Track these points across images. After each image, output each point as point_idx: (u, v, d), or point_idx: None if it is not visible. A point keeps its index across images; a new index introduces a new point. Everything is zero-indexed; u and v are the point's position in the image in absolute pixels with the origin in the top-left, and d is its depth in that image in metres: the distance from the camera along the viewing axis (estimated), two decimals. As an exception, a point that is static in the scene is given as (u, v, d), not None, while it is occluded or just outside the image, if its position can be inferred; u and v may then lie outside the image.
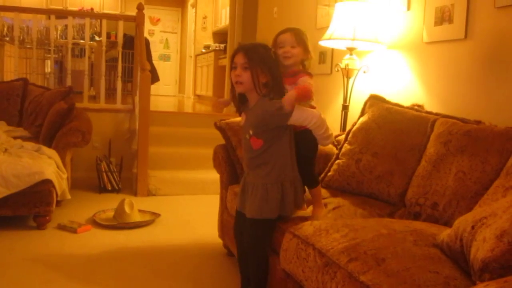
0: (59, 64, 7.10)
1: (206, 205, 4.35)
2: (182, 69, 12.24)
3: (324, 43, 3.50)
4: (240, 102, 2.26)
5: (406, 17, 3.28)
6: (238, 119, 2.58)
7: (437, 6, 2.95)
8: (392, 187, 2.47)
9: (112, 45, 7.35)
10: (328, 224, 1.94)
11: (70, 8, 10.81)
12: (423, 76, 3.13)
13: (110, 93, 6.83)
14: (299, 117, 2.14)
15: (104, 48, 5.29)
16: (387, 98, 2.89)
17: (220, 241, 3.20)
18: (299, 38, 2.31)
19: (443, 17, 2.91)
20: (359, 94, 3.59)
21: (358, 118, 2.87)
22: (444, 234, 1.64)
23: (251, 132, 2.19)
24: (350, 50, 3.43)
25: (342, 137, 2.94)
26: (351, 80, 3.49)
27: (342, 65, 3.46)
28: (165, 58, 12.34)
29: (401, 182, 2.45)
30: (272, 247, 2.23)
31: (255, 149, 2.19)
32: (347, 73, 3.46)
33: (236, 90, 2.20)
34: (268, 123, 2.14)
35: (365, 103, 2.91)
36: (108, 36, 7.85)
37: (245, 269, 2.38)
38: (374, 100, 2.88)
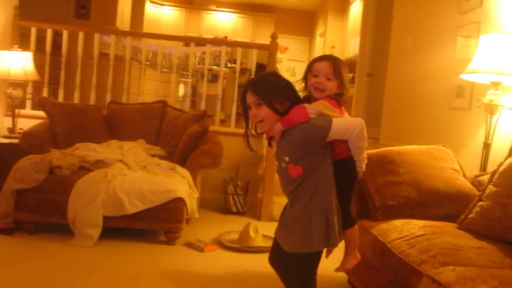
0: (193, 88, 7.53)
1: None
2: (307, 97, 12.32)
3: (465, 77, 3.31)
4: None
5: None
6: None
7: None
8: (545, 238, 2.22)
9: (243, 72, 7.63)
10: (473, 272, 1.78)
11: (205, 35, 11.46)
12: None
13: (238, 118, 7.05)
14: (339, 127, 1.94)
15: (237, 74, 5.46)
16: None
17: (345, 275, 3.10)
18: (337, 69, 2.05)
19: None
20: (503, 132, 3.32)
21: (506, 159, 2.64)
22: None
23: (287, 159, 1.99)
24: (495, 84, 3.20)
25: (485, 177, 2.72)
26: (494, 117, 3.25)
27: (485, 101, 3.24)
28: (290, 85, 12.53)
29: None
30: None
31: (294, 177, 1.97)
32: (490, 109, 3.23)
33: (261, 130, 2.09)
34: (306, 143, 1.95)
35: (515, 143, 2.68)
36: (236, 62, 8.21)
37: None
38: (526, 140, 2.64)
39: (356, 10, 9.26)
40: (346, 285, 3.09)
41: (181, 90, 8.36)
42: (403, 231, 2.43)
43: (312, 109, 1.98)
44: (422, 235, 2.32)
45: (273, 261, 2.27)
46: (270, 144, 2.14)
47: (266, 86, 2.00)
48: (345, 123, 1.98)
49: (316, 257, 2.00)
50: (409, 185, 2.76)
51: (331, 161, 2.00)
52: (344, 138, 1.99)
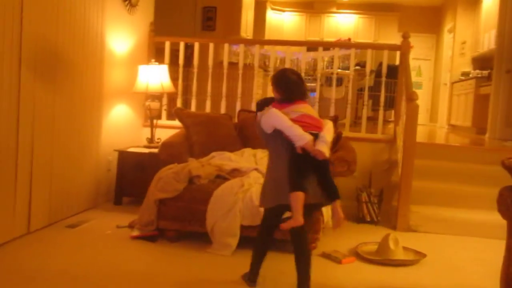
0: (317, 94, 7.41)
1: (474, 249, 3.93)
2: (434, 97, 11.68)
3: None
4: None
5: None
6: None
7: None
8: None
9: (365, 74, 7.39)
10: None
11: (326, 39, 11.34)
12: None
13: (357, 122, 6.86)
14: (265, 122, 2.73)
15: (368, 77, 5.28)
16: None
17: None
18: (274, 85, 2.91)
19: None
20: None
21: None
22: None
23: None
24: None
25: None
26: None
27: None
28: (417, 85, 11.94)
29: None
30: None
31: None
32: None
33: None
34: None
35: None
36: (359, 65, 7.96)
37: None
38: None
39: (490, 1, 8.57)
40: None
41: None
42: None
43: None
44: None
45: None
46: None
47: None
48: (272, 119, 2.69)
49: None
50: None
51: (288, 147, 2.67)
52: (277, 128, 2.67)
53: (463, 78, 9.40)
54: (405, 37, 5.08)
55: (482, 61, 9.34)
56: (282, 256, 3.33)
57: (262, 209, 3.22)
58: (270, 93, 5.69)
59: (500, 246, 2.89)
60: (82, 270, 3.03)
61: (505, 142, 6.33)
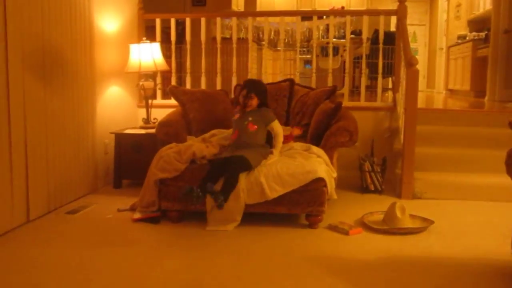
0: (311, 64, 7.30)
1: (482, 213, 3.88)
2: (431, 63, 11.56)
3: None
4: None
5: None
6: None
7: None
8: None
9: (361, 42, 7.25)
10: None
11: (319, 8, 11.13)
12: None
13: (355, 91, 6.76)
14: None
15: (365, 45, 5.15)
16: None
17: (510, 258, 2.76)
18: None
19: None
20: None
21: None
22: None
23: (250, 119, 3.66)
24: None
25: None
26: None
27: None
28: (412, 52, 11.80)
29: None
30: None
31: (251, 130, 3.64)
32: None
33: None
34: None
35: None
36: (354, 33, 7.81)
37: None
38: None
39: (485, -39, 8.40)
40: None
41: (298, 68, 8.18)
42: None
43: None
44: None
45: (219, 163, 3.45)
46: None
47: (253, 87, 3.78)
48: None
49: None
50: None
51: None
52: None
53: (459, 41, 9.27)
54: (401, 1, 4.95)
55: (478, 23, 9.19)
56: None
57: (266, 187, 3.38)
58: (265, 66, 5.60)
59: (507, 209, 2.87)
60: (84, 257, 2.96)
61: (506, 104, 6.25)
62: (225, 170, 3.39)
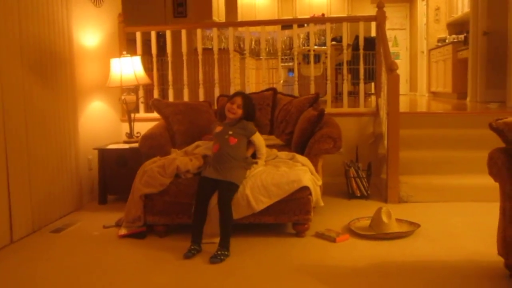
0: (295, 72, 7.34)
1: (468, 214, 3.91)
2: (413, 66, 11.66)
3: None
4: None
5: None
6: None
7: None
8: None
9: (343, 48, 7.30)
10: None
11: (300, 16, 11.20)
12: None
13: (338, 98, 6.79)
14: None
15: (345, 51, 5.18)
16: None
17: (496, 259, 2.77)
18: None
19: None
20: None
21: None
22: None
23: (230, 132, 3.60)
24: None
25: None
26: None
27: None
28: (394, 56, 11.88)
29: None
30: None
31: (232, 144, 3.55)
32: None
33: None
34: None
35: None
36: (335, 40, 7.86)
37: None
38: None
39: (461, -35, 8.53)
40: (501, 270, 2.75)
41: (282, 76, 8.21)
42: None
43: None
44: None
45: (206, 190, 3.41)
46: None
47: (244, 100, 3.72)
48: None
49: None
50: None
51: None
52: None
53: (439, 44, 9.38)
54: (380, 7, 4.99)
55: (457, 26, 9.32)
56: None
57: (252, 200, 3.40)
58: (249, 76, 5.62)
59: (492, 209, 2.87)
60: (70, 277, 2.92)
61: (488, 105, 6.32)
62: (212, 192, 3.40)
